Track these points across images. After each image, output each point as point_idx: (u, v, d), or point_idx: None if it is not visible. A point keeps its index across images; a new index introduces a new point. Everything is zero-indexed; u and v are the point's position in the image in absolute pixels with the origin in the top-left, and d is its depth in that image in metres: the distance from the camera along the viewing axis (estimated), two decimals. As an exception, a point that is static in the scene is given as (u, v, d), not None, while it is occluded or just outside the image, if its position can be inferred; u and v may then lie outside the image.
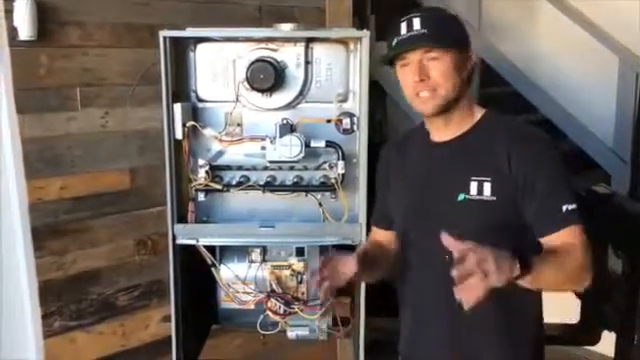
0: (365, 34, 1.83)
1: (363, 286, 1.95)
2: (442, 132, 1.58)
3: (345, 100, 1.97)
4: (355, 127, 1.92)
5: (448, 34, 1.49)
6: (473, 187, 1.51)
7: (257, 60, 1.89)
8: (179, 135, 1.89)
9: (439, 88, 1.48)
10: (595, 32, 3.47)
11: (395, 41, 1.50)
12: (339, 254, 1.65)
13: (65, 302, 2.48)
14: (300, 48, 1.93)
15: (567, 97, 3.85)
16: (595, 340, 2.66)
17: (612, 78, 3.44)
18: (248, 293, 2.06)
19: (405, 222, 1.69)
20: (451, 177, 1.56)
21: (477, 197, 1.51)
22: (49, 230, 2.40)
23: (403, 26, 1.49)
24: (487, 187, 1.50)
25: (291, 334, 2.15)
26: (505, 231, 1.52)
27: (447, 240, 1.33)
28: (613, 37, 3.42)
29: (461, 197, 1.52)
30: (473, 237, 1.53)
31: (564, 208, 1.47)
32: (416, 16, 1.48)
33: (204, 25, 2.01)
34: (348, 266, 1.50)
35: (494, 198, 1.50)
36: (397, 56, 1.51)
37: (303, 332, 2.15)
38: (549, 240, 1.50)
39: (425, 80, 1.47)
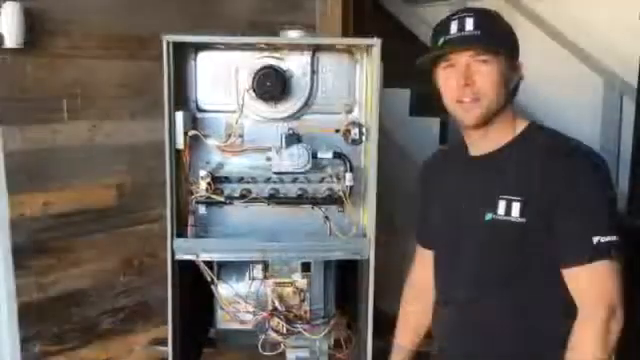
0: (376, 42, 1.77)
1: (371, 309, 1.87)
2: (480, 145, 1.49)
3: (351, 110, 1.92)
4: (364, 138, 1.87)
5: (501, 38, 1.40)
6: (501, 206, 1.40)
7: (264, 68, 1.82)
8: (180, 144, 1.81)
9: (483, 97, 1.38)
10: (579, 54, 3.51)
11: (442, 40, 1.40)
12: None
13: (46, 325, 2.33)
14: (306, 57, 1.88)
15: (552, 119, 3.88)
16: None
17: (597, 100, 3.47)
18: (249, 312, 1.96)
19: (436, 243, 1.61)
20: (481, 194, 1.45)
21: (504, 217, 1.39)
22: (31, 248, 2.26)
23: (453, 25, 1.38)
24: (516, 207, 1.38)
25: (290, 356, 2.06)
26: (533, 258, 1.41)
27: None
28: (597, 59, 3.47)
29: (488, 217, 1.42)
30: (496, 262, 1.45)
31: (595, 239, 1.32)
32: (469, 15, 1.38)
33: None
34: None
35: (523, 220, 1.37)
36: (441, 57, 1.42)
37: (303, 354, 2.06)
38: (571, 273, 1.37)
39: (470, 85, 1.37)
